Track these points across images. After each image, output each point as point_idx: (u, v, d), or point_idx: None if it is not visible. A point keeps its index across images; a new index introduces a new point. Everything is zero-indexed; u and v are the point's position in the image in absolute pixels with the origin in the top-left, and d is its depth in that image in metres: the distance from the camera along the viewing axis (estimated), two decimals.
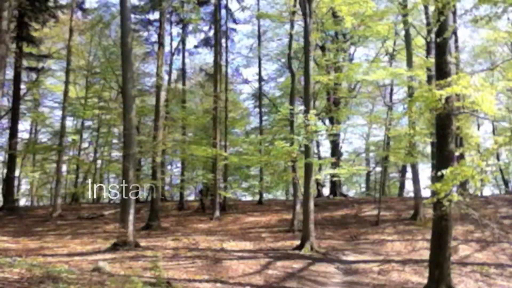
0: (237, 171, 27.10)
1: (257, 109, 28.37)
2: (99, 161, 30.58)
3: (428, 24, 17.33)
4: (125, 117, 14.22)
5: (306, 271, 11.49)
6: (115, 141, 30.19)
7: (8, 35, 20.38)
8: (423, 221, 16.83)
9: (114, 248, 12.91)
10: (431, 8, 14.95)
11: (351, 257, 13.10)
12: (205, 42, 26.64)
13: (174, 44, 25.87)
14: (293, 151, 15.72)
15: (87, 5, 25.77)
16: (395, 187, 33.91)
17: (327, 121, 26.63)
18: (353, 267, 11.94)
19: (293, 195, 18.51)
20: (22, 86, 26.09)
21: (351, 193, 34.40)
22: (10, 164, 23.71)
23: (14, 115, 24.21)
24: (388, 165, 28.82)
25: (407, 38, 18.99)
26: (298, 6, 17.40)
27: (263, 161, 21.80)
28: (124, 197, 13.78)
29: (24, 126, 30.85)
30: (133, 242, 13.24)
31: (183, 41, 25.68)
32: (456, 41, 22.63)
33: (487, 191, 30.97)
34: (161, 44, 19.54)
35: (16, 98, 24.32)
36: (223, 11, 24.72)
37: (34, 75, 26.89)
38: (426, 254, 10.59)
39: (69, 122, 30.07)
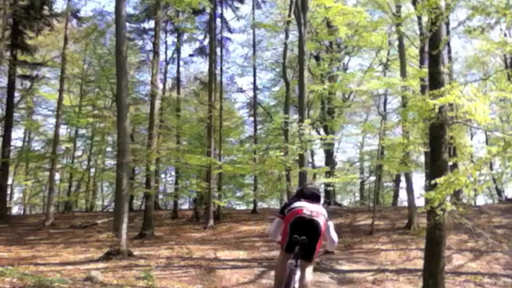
0: (232, 179, 27.06)
1: (251, 118, 28.42)
2: (92, 170, 30.45)
3: (421, 34, 17.48)
4: (119, 125, 14.18)
5: None
6: (109, 149, 30.09)
7: (3, 43, 20.43)
8: (417, 230, 16.84)
9: (107, 257, 12.80)
10: (424, 19, 15.10)
11: (345, 267, 13.07)
12: (200, 51, 26.72)
13: (169, 52, 26.05)
14: (287, 160, 15.75)
15: (82, 13, 25.75)
16: (389, 196, 33.95)
17: (321, 130, 26.72)
18: (347, 276, 11.92)
19: None
20: (16, 94, 26.00)
21: (345, 202, 34.40)
22: (3, 172, 23.53)
23: (8, 123, 24.10)
24: (382, 174, 28.87)
25: (401, 48, 19.15)
26: (293, 16, 17.53)
27: (258, 170, 21.79)
28: (117, 205, 13.72)
29: (17, 134, 30.73)
30: (126, 251, 13.14)
31: (178, 50, 25.76)
32: (449, 51, 22.85)
33: (481, 201, 31.12)
34: (156, 52, 19.55)
35: (10, 106, 24.23)
36: (218, 21, 24.83)
37: (28, 83, 26.80)
38: (420, 264, 10.60)
39: (63, 130, 30.01)
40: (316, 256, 4.63)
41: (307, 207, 4.52)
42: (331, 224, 4.79)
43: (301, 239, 4.36)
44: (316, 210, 4.52)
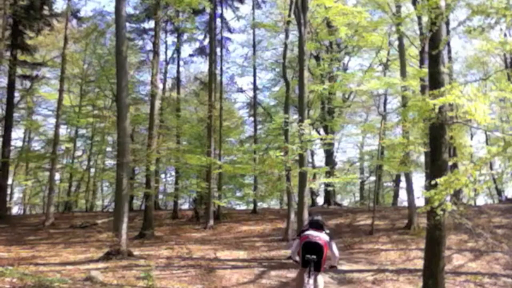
0: (232, 179, 27.07)
1: (251, 118, 28.42)
2: (92, 170, 30.46)
3: (421, 34, 17.48)
4: (119, 125, 14.19)
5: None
6: (109, 149, 30.13)
7: (3, 43, 20.44)
8: (417, 231, 16.83)
9: (107, 257, 12.81)
10: (424, 19, 15.11)
11: (345, 267, 13.06)
12: (200, 51, 26.74)
13: (169, 52, 26.08)
14: (287, 160, 15.73)
15: (82, 13, 25.79)
16: (389, 196, 33.97)
17: (321, 130, 26.72)
18: (347, 276, 11.91)
19: (287, 204, 18.49)
20: (16, 94, 26.01)
21: (345, 202, 34.42)
22: (3, 172, 23.55)
23: (8, 123, 24.11)
24: (382, 174, 28.89)
25: (401, 48, 19.14)
26: (292, 16, 17.49)
27: (258, 170, 21.79)
28: (117, 205, 13.72)
29: (17, 134, 30.74)
30: (126, 251, 13.15)
31: (178, 50, 25.77)
32: (449, 51, 22.85)
33: (481, 201, 31.13)
34: (156, 52, 19.56)
35: (10, 106, 24.23)
36: (218, 21, 24.84)
37: (28, 83, 26.82)
38: (420, 264, 10.59)
39: (63, 130, 30.02)
40: (324, 268, 6.79)
41: (313, 234, 6.66)
42: (333, 243, 6.87)
43: (312, 258, 6.45)
44: (319, 236, 6.65)
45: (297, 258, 6.85)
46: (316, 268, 6.49)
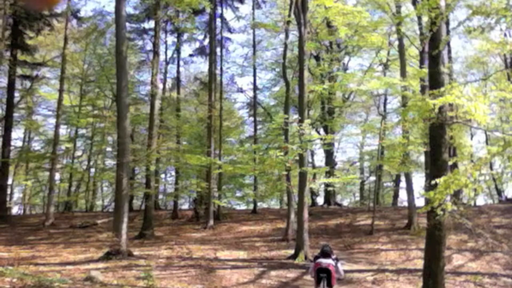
0: (232, 180, 27.07)
1: (251, 118, 28.41)
2: (92, 170, 30.44)
3: (421, 34, 17.49)
4: (119, 125, 14.20)
5: (300, 280, 11.45)
6: (109, 149, 30.10)
7: (3, 43, 20.44)
8: (417, 231, 16.84)
9: (107, 257, 12.81)
10: (424, 19, 15.11)
11: (345, 267, 13.03)
12: (200, 51, 26.72)
13: (169, 53, 26.07)
14: (287, 160, 15.73)
15: (82, 13, 25.76)
16: (389, 197, 33.95)
17: (321, 130, 26.71)
18: (347, 276, 11.90)
19: (287, 204, 18.49)
20: (16, 94, 25.99)
21: (345, 202, 34.40)
22: (3, 172, 23.54)
23: (8, 123, 24.09)
24: (382, 175, 28.87)
25: (401, 48, 19.15)
26: (292, 16, 17.49)
27: (258, 170, 21.80)
28: (117, 205, 13.72)
29: (17, 134, 30.72)
30: (126, 251, 13.15)
31: (178, 50, 25.78)
32: (449, 51, 22.84)
33: (481, 201, 31.10)
34: (156, 52, 19.56)
35: (10, 105, 24.22)
36: (218, 21, 24.84)
37: (28, 83, 26.81)
38: (420, 264, 10.60)
39: (63, 130, 30.00)
40: (334, 284, 8.26)
41: (323, 261, 8.25)
42: (339, 264, 8.47)
43: (323, 275, 8.10)
44: (328, 262, 8.23)
45: (313, 274, 8.64)
46: (328, 284, 8.27)
